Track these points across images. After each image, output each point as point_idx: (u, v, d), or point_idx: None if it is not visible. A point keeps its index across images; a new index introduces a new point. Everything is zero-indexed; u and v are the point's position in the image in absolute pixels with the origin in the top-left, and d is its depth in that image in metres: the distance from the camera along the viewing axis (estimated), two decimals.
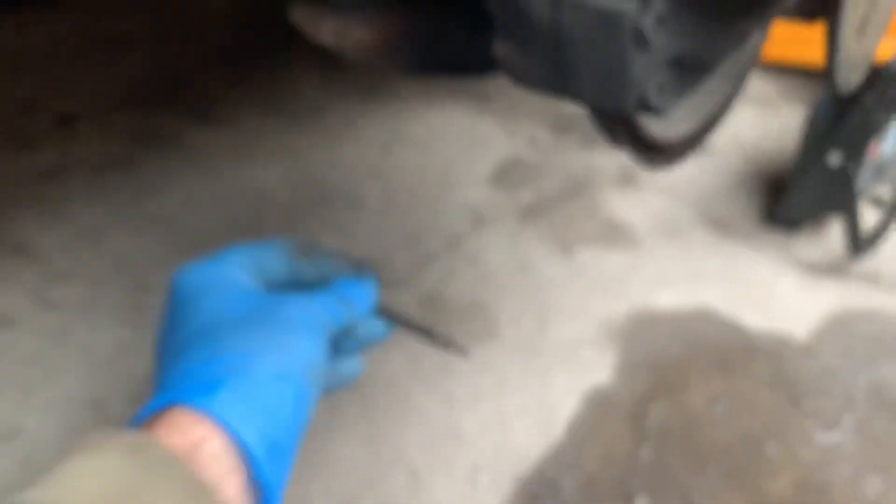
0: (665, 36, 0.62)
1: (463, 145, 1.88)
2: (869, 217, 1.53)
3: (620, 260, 1.52)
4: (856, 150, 1.40)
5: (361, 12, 0.88)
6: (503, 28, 0.68)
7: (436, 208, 1.66)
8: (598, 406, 1.21)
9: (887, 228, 1.56)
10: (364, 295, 0.71)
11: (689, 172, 1.75)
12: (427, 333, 0.77)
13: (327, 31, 0.86)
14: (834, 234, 1.57)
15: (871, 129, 1.37)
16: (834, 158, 1.41)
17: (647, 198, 1.68)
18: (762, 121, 1.94)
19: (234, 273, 0.68)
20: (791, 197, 1.52)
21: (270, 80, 2.16)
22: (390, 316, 0.76)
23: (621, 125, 0.80)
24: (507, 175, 1.77)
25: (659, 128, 0.87)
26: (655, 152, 0.85)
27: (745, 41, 0.68)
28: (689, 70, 0.68)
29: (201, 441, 0.50)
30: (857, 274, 1.50)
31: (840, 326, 1.38)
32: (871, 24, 0.77)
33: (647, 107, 0.67)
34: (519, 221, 1.61)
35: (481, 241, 1.55)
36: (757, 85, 2.14)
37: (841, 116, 1.41)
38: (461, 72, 0.98)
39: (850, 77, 0.79)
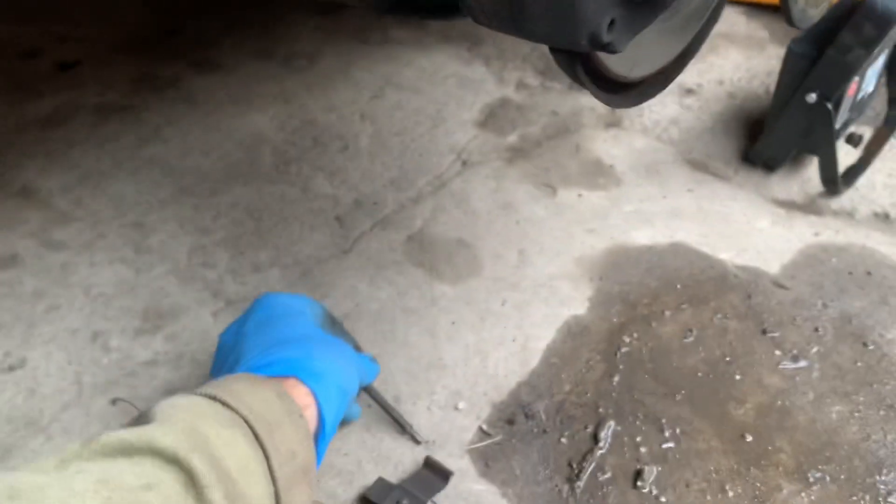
0: None
1: (453, 89, 1.91)
2: (843, 157, 1.57)
3: (601, 199, 1.57)
4: (834, 89, 1.43)
5: None
6: None
7: (425, 150, 1.70)
8: (573, 337, 1.28)
9: (865, 167, 1.60)
10: (372, 371, 1.04)
11: (671, 113, 1.78)
12: (393, 416, 1.11)
13: None
14: (811, 173, 1.61)
15: (848, 68, 1.40)
16: (812, 98, 1.44)
17: (629, 138, 1.72)
18: (747, 62, 1.96)
19: (305, 307, 0.98)
20: (769, 137, 1.56)
21: (265, 25, 2.19)
22: (373, 394, 1.10)
23: (580, 63, 0.84)
24: (495, 118, 1.81)
25: (621, 66, 0.91)
26: (618, 91, 0.89)
27: None
28: (641, 6, 0.72)
29: (307, 406, 0.78)
30: (832, 211, 1.54)
31: (812, 261, 1.43)
32: None
33: (599, 44, 0.71)
34: (505, 162, 1.66)
35: (468, 182, 1.60)
36: (742, 25, 2.15)
37: (818, 56, 1.43)
38: (431, 13, 1.01)
39: (807, 11, 0.82)
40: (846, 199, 1.56)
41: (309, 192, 1.57)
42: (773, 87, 1.79)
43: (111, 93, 1.91)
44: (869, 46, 1.36)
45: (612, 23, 0.70)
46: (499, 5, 0.71)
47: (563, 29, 0.69)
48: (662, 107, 1.81)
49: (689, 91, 1.86)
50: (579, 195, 1.58)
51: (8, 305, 1.30)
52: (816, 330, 1.30)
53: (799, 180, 1.60)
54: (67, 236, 1.46)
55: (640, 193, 1.58)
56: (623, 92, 0.93)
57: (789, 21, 0.82)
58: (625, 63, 0.93)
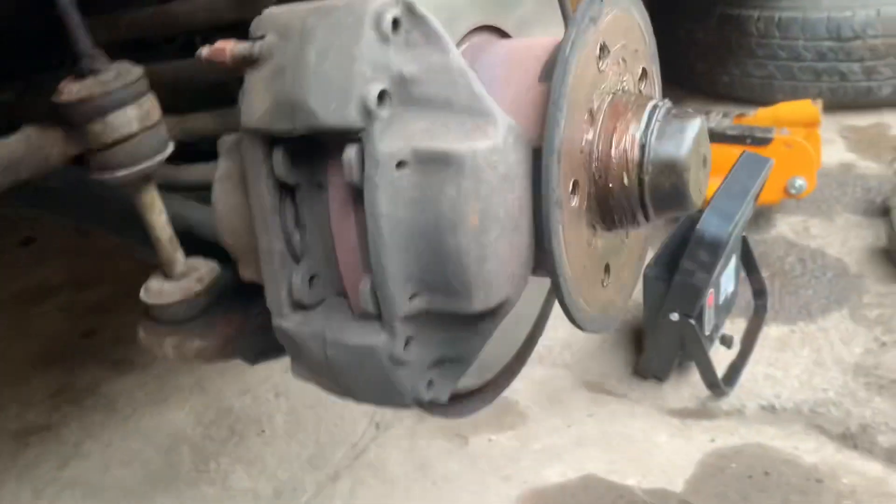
0: (419, 349, 0.77)
1: None
2: (723, 356, 1.69)
3: (510, 440, 1.64)
4: (690, 307, 1.57)
5: (198, 323, 1.02)
6: (293, 356, 0.82)
7: (339, 418, 1.76)
8: None
9: (745, 363, 1.72)
10: None
11: (563, 336, 1.90)
12: None
13: (168, 348, 1.00)
14: (698, 377, 1.72)
15: (696, 289, 1.55)
16: (675, 317, 1.58)
17: (528, 370, 1.81)
18: None
19: None
20: (649, 353, 1.68)
21: None
22: None
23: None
24: None
25: (466, 380, 1.00)
26: (454, 406, 0.97)
27: (489, 334, 0.82)
28: (452, 364, 0.82)
29: None
30: (723, 412, 1.64)
31: (713, 470, 1.50)
32: (616, 272, 0.93)
33: (424, 402, 0.80)
34: (416, 419, 1.73)
35: (382, 448, 1.66)
36: None
37: (671, 277, 1.58)
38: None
39: (607, 317, 0.92)
40: (734, 396, 1.66)
41: (229, 490, 1.60)
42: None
43: (31, 413, 1.94)
44: (708, 269, 1.52)
45: (429, 383, 0.81)
46: (332, 383, 0.81)
47: (389, 399, 0.79)
48: (554, 330, 1.93)
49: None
50: (489, 440, 1.65)
51: None
52: None
53: (688, 386, 1.71)
54: None
55: (547, 427, 1.66)
56: (465, 401, 1.00)
57: (573, 322, 0.90)
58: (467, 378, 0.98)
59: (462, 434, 1.67)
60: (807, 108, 2.16)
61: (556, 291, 0.78)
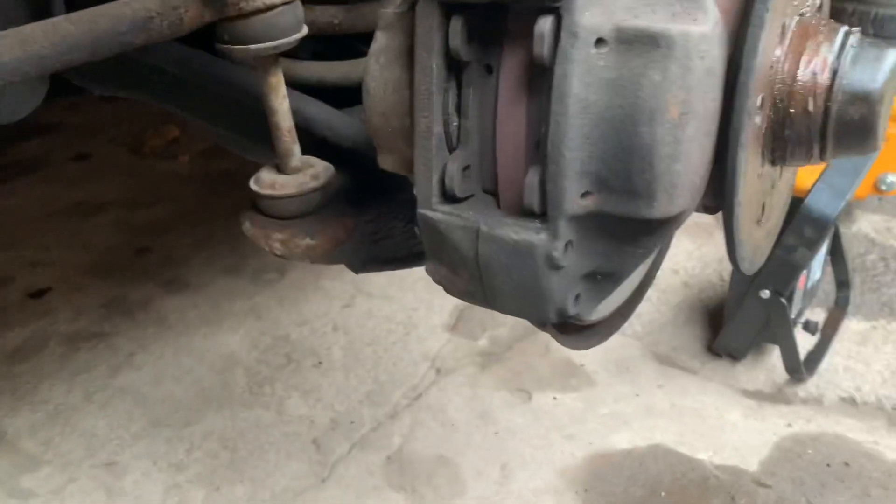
0: (577, 256, 0.71)
1: (422, 293, 1.96)
2: (802, 342, 1.62)
3: (576, 401, 1.59)
4: (785, 285, 1.50)
5: (308, 221, 0.97)
6: (431, 253, 0.77)
7: (399, 359, 1.72)
8: None
9: (825, 352, 1.65)
10: None
11: None
12: None
13: (276, 242, 0.95)
14: (775, 359, 1.65)
15: (795, 266, 1.48)
16: (766, 294, 1.51)
17: None
18: (698, 249, 2.06)
19: None
20: (729, 330, 1.62)
21: (234, 239, 2.26)
22: None
23: None
24: (464, 320, 1.85)
25: None
26: (577, 336, 0.93)
27: (652, 251, 0.77)
28: (603, 280, 0.77)
29: None
30: (800, 399, 1.57)
31: (789, 455, 1.44)
32: (768, 213, 0.87)
33: (567, 317, 0.75)
34: (478, 368, 1.68)
35: (443, 392, 1.61)
36: None
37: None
38: (405, 263, 1.07)
39: (753, 261, 0.87)
40: (812, 385, 1.60)
41: (284, 415, 1.56)
42: (726, 275, 1.87)
43: (82, 319, 1.92)
44: (811, 246, 1.45)
45: (577, 297, 0.75)
46: (472, 286, 0.76)
47: (533, 307, 0.74)
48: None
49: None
50: (554, 398, 1.60)
51: None
52: None
53: (764, 369, 1.65)
54: (36, 483, 1.42)
55: (614, 393, 1.61)
56: (586, 333, 0.97)
57: (732, 261, 0.87)
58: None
59: (525, 389, 1.62)
60: None
61: (727, 218, 0.72)
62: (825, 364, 1.64)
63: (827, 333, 1.69)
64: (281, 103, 0.92)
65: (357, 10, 1.13)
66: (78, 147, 2.91)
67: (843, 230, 2.12)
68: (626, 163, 0.64)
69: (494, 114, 0.71)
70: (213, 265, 2.13)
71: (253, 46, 0.84)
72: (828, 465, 1.41)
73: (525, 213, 0.69)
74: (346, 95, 1.20)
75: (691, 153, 0.65)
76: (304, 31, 0.88)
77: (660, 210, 0.66)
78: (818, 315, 1.78)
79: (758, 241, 0.85)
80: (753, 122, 0.70)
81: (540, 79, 0.66)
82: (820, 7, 0.85)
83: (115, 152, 2.88)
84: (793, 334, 1.53)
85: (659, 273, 2.00)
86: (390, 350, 1.74)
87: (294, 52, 1.03)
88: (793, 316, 1.58)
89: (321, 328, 1.83)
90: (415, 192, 0.74)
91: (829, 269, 1.79)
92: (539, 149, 0.67)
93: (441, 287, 0.80)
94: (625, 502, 1.34)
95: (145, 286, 2.05)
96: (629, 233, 0.70)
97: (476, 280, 0.74)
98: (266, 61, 0.88)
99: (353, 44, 1.24)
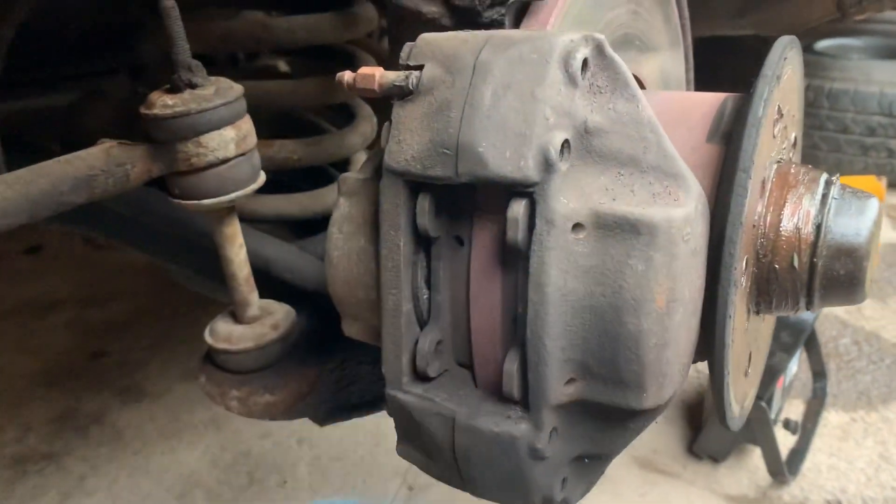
0: (562, 443, 0.66)
1: None
2: (786, 438, 1.58)
3: None
4: (765, 389, 1.46)
5: (268, 375, 0.90)
6: (403, 436, 0.71)
7: (368, 475, 1.64)
8: None
9: (806, 450, 1.61)
10: None
11: None
12: None
13: (233, 401, 0.88)
14: (757, 460, 1.61)
15: (773, 372, 1.45)
16: None
17: None
18: None
19: None
20: (709, 432, 1.57)
21: (193, 340, 2.17)
22: None
23: None
24: None
25: None
26: None
27: (642, 431, 0.72)
28: (591, 462, 0.71)
29: None
30: (785, 503, 1.52)
31: None
32: (754, 360, 0.83)
33: (553, 502, 0.69)
34: None
35: None
36: None
37: None
38: (374, 408, 1.01)
39: (742, 414, 0.82)
40: (796, 487, 1.55)
41: None
42: (702, 366, 1.83)
43: (31, 438, 1.80)
44: (789, 351, 1.42)
45: (564, 480, 0.70)
46: (448, 472, 0.70)
47: (517, 496, 0.68)
48: None
49: None
50: None
51: None
52: None
53: (747, 471, 1.60)
54: None
55: None
56: None
57: (722, 422, 0.83)
58: None
59: None
60: (871, 183, 2.10)
61: (716, 384, 0.68)
62: (808, 462, 1.60)
63: (807, 429, 1.66)
64: (237, 253, 0.86)
65: (318, 145, 1.09)
66: (29, 239, 2.81)
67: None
68: (611, 352, 0.60)
69: (467, 287, 0.66)
70: (171, 370, 2.03)
71: (206, 202, 0.78)
72: None
73: (505, 398, 0.64)
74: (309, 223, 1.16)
75: (680, 338, 0.61)
76: (262, 179, 0.83)
77: (650, 400, 0.61)
78: (796, 407, 1.74)
79: (745, 391, 0.80)
80: (740, 287, 0.66)
81: (514, 256, 0.61)
82: (794, 143, 0.83)
83: (69, 243, 2.79)
84: (774, 437, 1.49)
85: None
86: (359, 465, 1.66)
87: None
88: (772, 416, 1.54)
89: (285, 441, 1.74)
90: (383, 370, 0.68)
91: (805, 355, 1.77)
92: (517, 330, 0.62)
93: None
94: None
95: (100, 395, 1.95)
96: (616, 417, 0.65)
97: (453, 469, 0.68)
98: (221, 213, 0.83)
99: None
